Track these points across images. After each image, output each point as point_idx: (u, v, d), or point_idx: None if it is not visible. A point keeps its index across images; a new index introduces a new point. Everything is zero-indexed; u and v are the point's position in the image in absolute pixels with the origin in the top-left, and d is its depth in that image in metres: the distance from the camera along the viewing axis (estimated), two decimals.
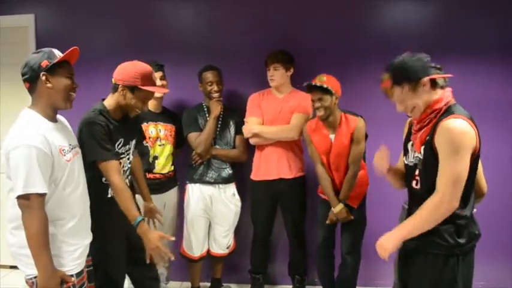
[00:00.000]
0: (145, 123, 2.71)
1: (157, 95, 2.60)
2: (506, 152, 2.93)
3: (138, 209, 2.28)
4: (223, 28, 3.14)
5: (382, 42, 2.95)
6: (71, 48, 1.72)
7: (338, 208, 2.56)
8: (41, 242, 1.60)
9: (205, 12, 3.15)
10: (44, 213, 1.61)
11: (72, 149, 1.79)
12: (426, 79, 1.61)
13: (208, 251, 2.97)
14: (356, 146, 2.53)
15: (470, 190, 1.62)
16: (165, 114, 2.84)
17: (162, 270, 2.96)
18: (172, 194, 2.89)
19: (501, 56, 2.89)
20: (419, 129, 1.67)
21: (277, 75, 2.75)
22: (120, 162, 2.13)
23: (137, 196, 2.38)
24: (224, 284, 3.12)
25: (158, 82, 2.61)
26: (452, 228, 1.59)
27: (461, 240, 1.59)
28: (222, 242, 2.94)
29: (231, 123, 2.89)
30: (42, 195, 1.60)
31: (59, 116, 1.84)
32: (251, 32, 3.12)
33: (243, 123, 2.87)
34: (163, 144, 2.77)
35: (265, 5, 3.08)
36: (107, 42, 3.25)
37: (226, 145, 2.86)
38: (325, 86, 2.44)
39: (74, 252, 1.76)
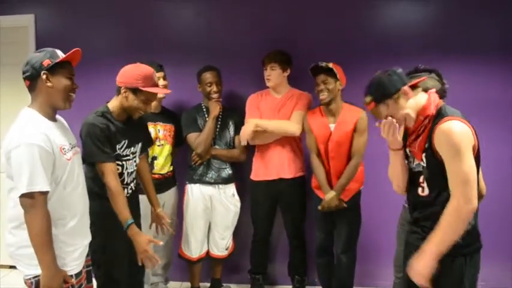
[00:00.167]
0: None
1: (159, 95, 2.62)
2: (506, 152, 2.92)
3: (138, 210, 2.32)
4: (223, 28, 3.14)
5: (382, 42, 2.96)
6: (73, 50, 1.74)
7: (330, 195, 2.56)
8: (45, 241, 1.60)
9: (205, 13, 3.15)
10: (46, 211, 1.61)
11: (72, 148, 1.79)
12: (406, 88, 1.64)
13: (207, 253, 2.96)
14: (359, 136, 2.53)
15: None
16: (164, 114, 2.84)
17: (160, 272, 2.96)
18: (170, 194, 2.89)
19: (501, 56, 2.88)
20: (416, 138, 1.67)
21: (274, 75, 2.75)
22: (123, 165, 2.16)
23: (141, 196, 2.40)
24: (224, 284, 3.12)
25: (161, 82, 2.65)
26: None
27: (468, 240, 1.58)
28: (221, 244, 2.93)
29: (231, 123, 2.89)
30: (45, 193, 1.61)
31: (58, 116, 1.84)
32: (251, 32, 3.12)
33: (242, 123, 2.86)
34: (162, 145, 2.77)
35: (265, 5, 3.08)
36: (106, 42, 3.25)
37: (225, 145, 2.86)
38: (330, 65, 2.48)
39: (73, 252, 1.77)
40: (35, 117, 1.69)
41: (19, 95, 3.24)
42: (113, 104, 2.13)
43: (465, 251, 1.59)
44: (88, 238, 1.91)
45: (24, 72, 1.70)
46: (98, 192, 2.09)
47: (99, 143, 2.00)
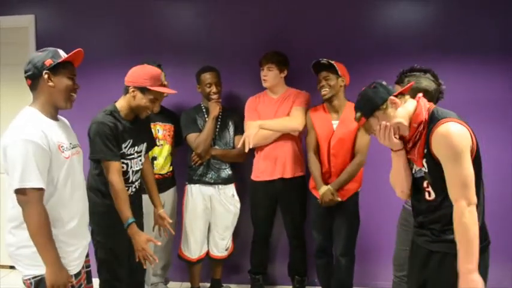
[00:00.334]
0: None
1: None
2: (506, 152, 2.92)
3: (141, 209, 2.36)
4: (223, 29, 3.15)
5: (382, 43, 2.96)
6: (76, 50, 1.75)
7: (322, 190, 2.56)
8: (45, 238, 1.60)
9: (205, 13, 3.16)
10: (42, 207, 1.61)
11: (72, 147, 1.79)
12: (392, 97, 1.65)
13: (207, 253, 2.96)
14: (363, 135, 2.52)
15: (477, 190, 1.60)
16: (164, 114, 2.84)
17: (159, 272, 2.97)
18: (170, 194, 2.89)
19: (501, 56, 2.88)
20: (414, 146, 1.67)
21: (271, 75, 2.75)
22: (127, 163, 2.21)
23: (144, 196, 2.44)
24: (224, 285, 3.12)
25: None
26: None
27: None
28: (221, 244, 2.93)
29: (230, 123, 2.89)
30: (39, 190, 1.60)
31: (60, 117, 1.86)
32: (250, 33, 3.12)
33: (242, 123, 2.87)
34: (161, 145, 2.77)
35: (265, 5, 3.08)
36: (106, 42, 3.25)
37: (225, 145, 2.86)
38: (331, 61, 2.49)
39: (74, 252, 1.77)
40: (35, 115, 1.70)
41: (19, 96, 3.25)
42: (121, 103, 2.20)
43: None
44: (87, 238, 1.91)
45: (26, 71, 1.71)
46: (102, 190, 2.16)
47: (107, 141, 2.07)
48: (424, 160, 1.63)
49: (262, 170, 2.82)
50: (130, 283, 2.33)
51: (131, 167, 2.24)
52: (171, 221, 2.46)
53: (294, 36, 3.05)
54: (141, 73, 2.17)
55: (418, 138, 1.64)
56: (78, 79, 1.81)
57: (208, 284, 3.12)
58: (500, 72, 2.90)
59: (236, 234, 3.03)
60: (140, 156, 2.30)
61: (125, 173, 2.20)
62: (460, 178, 1.52)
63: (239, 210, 2.94)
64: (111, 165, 2.09)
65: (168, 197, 2.86)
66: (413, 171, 1.72)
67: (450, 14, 2.92)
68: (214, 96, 2.80)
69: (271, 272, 3.19)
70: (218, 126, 2.84)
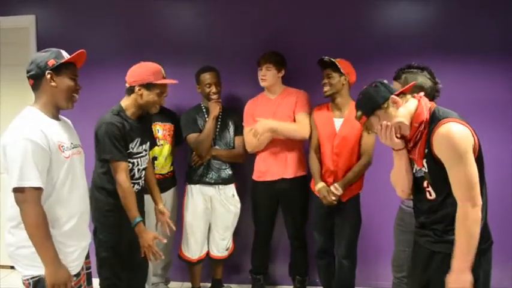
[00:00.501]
0: None
1: None
2: (506, 152, 2.92)
3: (143, 208, 2.39)
4: (222, 29, 3.15)
5: (382, 43, 2.96)
6: (78, 51, 1.76)
7: (318, 186, 2.58)
8: (43, 237, 1.60)
9: (205, 13, 3.16)
10: (40, 207, 1.61)
11: (73, 147, 1.80)
12: (393, 96, 1.64)
13: (207, 253, 2.96)
14: (368, 135, 2.52)
15: (480, 189, 1.59)
16: (163, 114, 2.83)
17: (160, 272, 2.97)
18: (170, 194, 2.90)
19: (501, 56, 2.88)
20: (414, 145, 1.66)
21: (269, 75, 2.75)
22: (134, 162, 2.26)
23: (147, 196, 2.47)
24: (225, 285, 3.12)
25: None
26: None
27: (481, 238, 1.57)
28: (221, 244, 2.93)
29: (230, 123, 2.89)
30: (37, 190, 1.60)
31: (63, 117, 1.86)
32: (250, 33, 3.12)
33: (242, 123, 2.88)
34: (161, 145, 2.77)
35: (265, 5, 3.08)
36: (107, 42, 3.25)
37: (225, 146, 2.86)
38: (332, 59, 2.49)
39: (73, 253, 1.77)
40: (36, 115, 1.71)
41: (19, 96, 3.26)
42: (126, 103, 2.24)
43: (478, 249, 1.57)
44: (87, 239, 1.91)
45: (28, 71, 1.72)
46: (107, 188, 2.20)
47: (116, 142, 2.12)
48: (425, 160, 1.62)
49: (264, 171, 2.82)
50: (130, 283, 2.34)
51: (137, 165, 2.29)
52: (169, 215, 2.49)
53: (293, 36, 3.05)
54: (142, 70, 2.21)
55: (419, 138, 1.64)
56: (79, 79, 1.81)
57: (209, 284, 3.12)
58: (500, 72, 2.90)
59: (236, 234, 3.03)
60: (147, 153, 2.36)
61: (131, 171, 2.25)
62: (464, 179, 1.52)
63: (239, 210, 2.94)
64: (120, 166, 2.14)
65: (168, 197, 2.87)
66: (414, 171, 1.72)
67: (450, 14, 2.92)
68: (214, 96, 2.79)
69: (272, 272, 3.19)
70: (218, 126, 2.84)
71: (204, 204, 2.85)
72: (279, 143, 2.77)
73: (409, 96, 1.70)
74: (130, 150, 2.23)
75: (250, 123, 2.78)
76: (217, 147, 2.84)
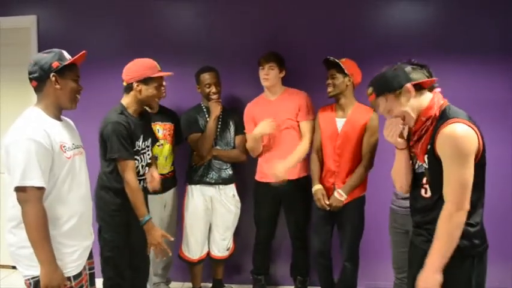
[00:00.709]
0: None
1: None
2: (506, 152, 2.92)
3: (147, 205, 2.38)
4: (222, 29, 3.15)
5: (382, 43, 2.96)
6: (81, 53, 1.76)
7: (314, 188, 2.59)
8: (41, 237, 1.61)
9: (205, 13, 3.16)
10: (41, 207, 1.62)
11: (75, 148, 1.80)
12: (409, 85, 1.61)
13: (208, 253, 2.96)
14: (370, 137, 2.52)
15: (479, 194, 1.59)
16: (163, 114, 2.84)
17: (161, 272, 2.97)
18: (171, 194, 2.90)
19: (501, 56, 2.88)
20: (418, 139, 1.65)
21: (272, 74, 2.73)
22: (139, 159, 2.29)
23: (150, 196, 2.49)
24: (226, 285, 3.12)
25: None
26: (469, 231, 1.56)
27: (477, 241, 1.57)
28: (222, 244, 2.93)
29: (231, 123, 2.89)
30: (39, 189, 1.61)
31: (65, 118, 1.87)
32: (250, 33, 3.12)
33: (242, 123, 2.88)
34: (161, 144, 2.78)
35: (265, 5, 3.08)
36: (107, 42, 3.26)
37: (226, 145, 2.87)
38: (337, 61, 2.49)
39: (72, 254, 1.77)
40: (38, 115, 1.71)
41: (19, 96, 3.27)
42: (126, 101, 2.26)
43: (474, 252, 1.57)
44: (89, 239, 1.91)
45: (31, 73, 1.71)
46: (114, 187, 2.21)
47: (123, 141, 2.14)
48: (426, 156, 1.61)
49: (267, 172, 2.80)
50: (133, 283, 2.34)
51: (141, 161, 2.31)
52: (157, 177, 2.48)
53: (293, 36, 3.05)
54: (137, 67, 2.23)
55: (424, 133, 1.62)
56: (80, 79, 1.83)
57: (210, 284, 3.12)
58: (500, 72, 2.90)
59: (237, 235, 3.04)
60: (149, 149, 2.38)
61: (136, 168, 2.26)
62: (457, 181, 1.51)
63: (240, 210, 2.94)
64: (128, 164, 2.16)
65: (169, 197, 2.87)
66: (416, 166, 1.71)
67: (450, 14, 2.92)
68: (214, 97, 2.79)
69: (274, 272, 3.19)
70: (219, 127, 2.84)
71: (205, 204, 2.85)
72: (281, 143, 2.77)
73: (425, 90, 1.66)
74: (137, 148, 2.25)
75: (251, 129, 2.79)
76: (217, 147, 2.84)
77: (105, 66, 3.14)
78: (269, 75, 2.74)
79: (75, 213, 1.78)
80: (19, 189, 1.59)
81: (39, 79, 1.70)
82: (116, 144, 2.12)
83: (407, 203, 2.22)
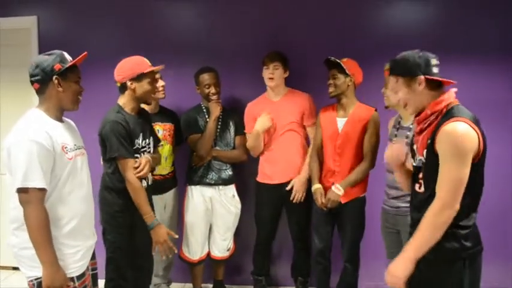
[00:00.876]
0: None
1: (159, 96, 2.72)
2: (506, 152, 2.92)
3: (152, 208, 2.36)
4: (223, 29, 3.15)
5: (382, 43, 2.95)
6: (82, 54, 1.77)
7: (314, 187, 2.59)
8: (43, 238, 1.61)
9: (205, 13, 3.16)
10: (43, 208, 1.62)
11: (76, 149, 1.81)
12: (421, 78, 1.60)
13: (208, 254, 2.96)
14: (371, 136, 2.52)
15: (475, 195, 1.58)
16: (163, 114, 2.84)
17: (161, 273, 2.97)
18: (171, 194, 2.90)
19: (501, 56, 2.88)
20: (420, 132, 1.65)
21: (277, 74, 2.73)
22: (139, 157, 2.26)
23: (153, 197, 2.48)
24: (227, 286, 3.12)
25: (160, 82, 2.70)
26: (458, 233, 1.55)
27: (468, 244, 1.55)
28: (222, 245, 2.93)
29: (231, 124, 2.89)
30: (41, 191, 1.61)
31: (66, 119, 1.87)
32: (250, 33, 3.12)
33: (242, 123, 2.88)
34: (161, 145, 2.77)
35: (265, 5, 3.08)
36: (107, 43, 3.25)
37: (226, 146, 2.86)
38: (338, 61, 2.48)
39: (75, 255, 1.77)
40: (40, 117, 1.72)
41: (19, 97, 3.27)
42: (123, 101, 2.26)
43: (464, 255, 1.55)
44: (92, 239, 1.91)
45: (33, 75, 1.71)
46: (117, 187, 2.20)
47: (122, 140, 2.13)
48: (425, 151, 1.61)
49: (269, 174, 2.81)
50: (136, 283, 2.34)
51: None
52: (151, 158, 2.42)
53: (294, 36, 3.05)
54: (128, 65, 2.23)
55: (427, 127, 1.62)
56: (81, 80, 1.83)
57: (211, 285, 3.12)
58: (500, 72, 2.90)
59: (237, 235, 3.04)
60: (150, 148, 2.37)
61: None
62: (450, 179, 1.50)
63: (240, 211, 2.94)
64: (128, 163, 2.15)
65: (169, 198, 2.87)
66: (415, 160, 1.71)
67: (450, 14, 2.92)
68: (214, 97, 2.78)
69: (274, 273, 3.19)
70: (219, 127, 2.84)
71: (205, 205, 2.84)
72: (283, 144, 2.77)
73: (441, 88, 1.65)
74: (137, 146, 2.24)
75: (251, 126, 2.78)
76: (217, 147, 2.84)
77: (106, 67, 3.10)
78: (274, 74, 2.72)
79: (76, 213, 1.78)
80: (21, 191, 1.60)
81: (42, 82, 1.70)
82: (115, 143, 2.12)
83: (397, 203, 2.24)
